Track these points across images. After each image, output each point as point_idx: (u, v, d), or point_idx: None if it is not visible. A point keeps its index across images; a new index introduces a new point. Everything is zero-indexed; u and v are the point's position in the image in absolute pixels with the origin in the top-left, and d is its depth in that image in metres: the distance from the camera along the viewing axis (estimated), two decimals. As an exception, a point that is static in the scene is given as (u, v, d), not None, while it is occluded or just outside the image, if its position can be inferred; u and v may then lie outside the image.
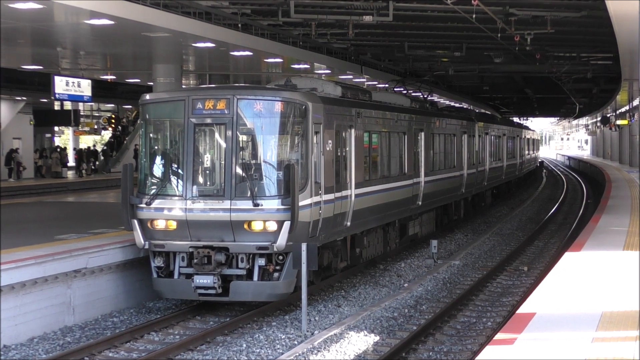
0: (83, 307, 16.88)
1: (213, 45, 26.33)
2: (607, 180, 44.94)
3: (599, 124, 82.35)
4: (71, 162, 62.70)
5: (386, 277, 21.78)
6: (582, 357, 9.44)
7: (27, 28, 23.05)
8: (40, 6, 19.03)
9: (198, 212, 16.60)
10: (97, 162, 60.42)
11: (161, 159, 17.42)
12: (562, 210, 41.46)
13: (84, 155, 58.38)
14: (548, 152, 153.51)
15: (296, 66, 34.27)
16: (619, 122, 65.09)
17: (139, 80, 45.09)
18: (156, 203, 16.87)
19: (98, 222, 22.25)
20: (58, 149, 57.09)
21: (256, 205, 16.37)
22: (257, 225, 16.46)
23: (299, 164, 16.67)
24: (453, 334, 16.22)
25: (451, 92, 56.10)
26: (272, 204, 16.41)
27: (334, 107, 18.67)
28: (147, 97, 17.72)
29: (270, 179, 16.69)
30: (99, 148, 66.42)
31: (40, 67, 36.68)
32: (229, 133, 16.65)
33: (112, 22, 21.31)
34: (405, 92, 30.70)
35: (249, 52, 28.63)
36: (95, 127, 64.09)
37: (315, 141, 17.27)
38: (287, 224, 16.23)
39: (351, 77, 38.51)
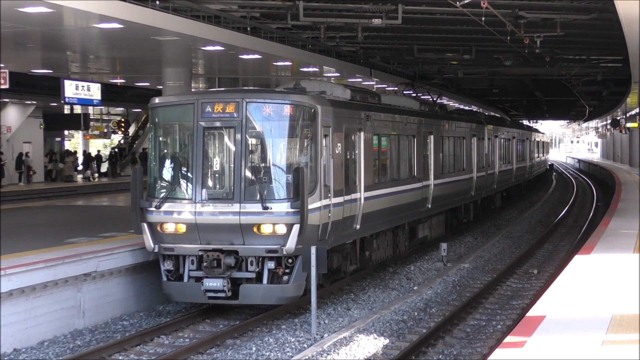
0: (93, 311, 16.91)
1: (222, 48, 26.34)
2: (617, 183, 44.88)
3: (609, 126, 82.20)
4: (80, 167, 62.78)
5: (396, 280, 21.76)
6: (593, 360, 9.44)
7: (37, 32, 23.10)
8: (50, 10, 19.09)
9: (207, 215, 16.60)
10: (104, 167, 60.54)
11: (170, 163, 17.43)
12: (572, 213, 41.37)
13: (90, 160, 58.50)
14: (558, 155, 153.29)
15: (305, 69, 34.26)
16: (629, 124, 64.94)
17: (148, 84, 45.13)
18: (166, 206, 16.88)
19: (108, 226, 22.29)
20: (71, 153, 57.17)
21: (265, 208, 16.37)
22: (266, 229, 16.46)
23: (308, 167, 16.67)
24: (463, 337, 16.20)
25: (460, 95, 56.03)
26: (282, 207, 16.41)
27: (343, 110, 18.66)
28: (157, 100, 17.75)
29: (280, 182, 16.68)
30: (105, 152, 66.50)
31: (50, 71, 36.74)
32: (238, 136, 16.65)
33: (121, 26, 21.36)
34: (414, 95, 30.67)
35: (258, 56, 28.65)
36: (105, 130, 64.19)
37: (324, 144, 17.27)
38: (296, 227, 16.23)
39: (360, 80, 38.47)
